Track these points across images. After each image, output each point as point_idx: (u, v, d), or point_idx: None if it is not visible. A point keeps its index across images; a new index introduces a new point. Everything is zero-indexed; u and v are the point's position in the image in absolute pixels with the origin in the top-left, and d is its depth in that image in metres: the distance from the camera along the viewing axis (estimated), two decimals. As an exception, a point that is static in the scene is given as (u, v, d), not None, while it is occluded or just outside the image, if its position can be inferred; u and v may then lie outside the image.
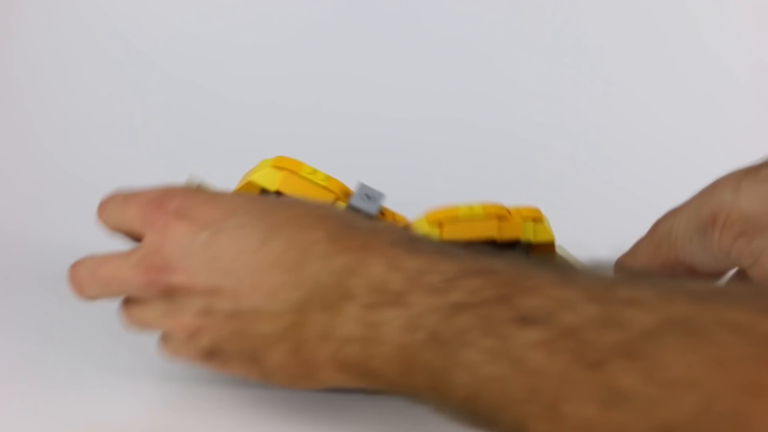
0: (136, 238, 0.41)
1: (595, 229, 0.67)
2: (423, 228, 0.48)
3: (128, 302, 0.41)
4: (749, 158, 0.46)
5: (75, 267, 0.42)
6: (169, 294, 0.38)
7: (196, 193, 0.40)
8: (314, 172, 0.49)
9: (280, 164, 0.48)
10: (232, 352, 0.38)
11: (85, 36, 0.90)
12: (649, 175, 0.83)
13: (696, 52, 0.91)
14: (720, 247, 0.43)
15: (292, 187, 0.48)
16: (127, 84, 0.89)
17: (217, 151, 0.86)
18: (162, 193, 0.40)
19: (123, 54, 0.90)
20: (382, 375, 0.35)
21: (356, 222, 0.38)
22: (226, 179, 0.79)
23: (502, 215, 0.50)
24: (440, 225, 0.49)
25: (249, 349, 0.37)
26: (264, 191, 0.49)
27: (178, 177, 0.81)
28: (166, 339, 0.41)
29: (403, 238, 0.36)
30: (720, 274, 0.46)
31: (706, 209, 0.43)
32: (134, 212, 0.40)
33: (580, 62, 0.91)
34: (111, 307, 0.43)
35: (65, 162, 0.83)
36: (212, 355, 0.39)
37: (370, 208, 0.48)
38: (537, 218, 0.52)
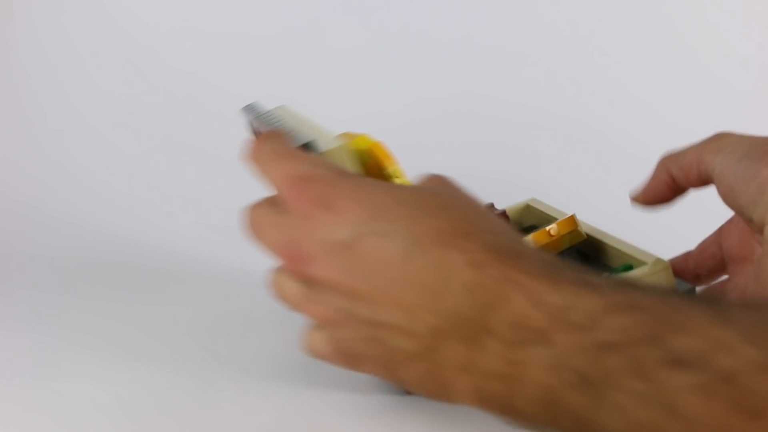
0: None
1: (597, 202, 0.68)
2: None
3: (276, 271, 0.40)
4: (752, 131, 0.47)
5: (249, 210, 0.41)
6: (310, 283, 0.37)
7: (339, 180, 0.37)
8: (396, 173, 0.48)
9: (373, 152, 0.47)
10: (369, 355, 0.37)
11: (87, 31, 0.90)
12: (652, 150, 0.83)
13: (700, 29, 0.91)
14: (763, 182, 0.43)
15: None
16: (127, 78, 0.90)
17: (217, 146, 0.86)
18: (305, 176, 0.38)
19: (124, 49, 0.91)
20: (525, 414, 0.33)
21: (498, 240, 0.36)
22: (225, 176, 0.81)
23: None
24: None
25: (386, 358, 0.36)
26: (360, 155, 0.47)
27: (178, 171, 0.84)
28: (307, 331, 0.39)
29: (546, 267, 0.34)
30: (738, 205, 0.46)
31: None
32: (278, 181, 0.39)
33: (583, 42, 0.91)
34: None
35: (69, 153, 0.84)
36: (348, 353, 0.38)
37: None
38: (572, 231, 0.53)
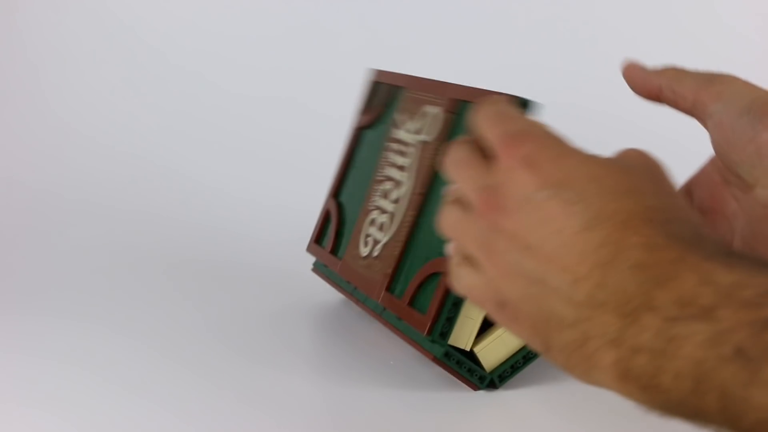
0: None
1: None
2: None
3: (456, 203, 0.41)
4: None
5: (451, 150, 0.42)
6: (493, 230, 0.39)
7: (550, 143, 0.39)
8: None
9: None
10: (525, 313, 0.38)
11: (88, 29, 0.90)
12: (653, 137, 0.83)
13: (703, 14, 0.91)
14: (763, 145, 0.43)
15: None
16: (127, 76, 0.90)
17: (217, 145, 0.87)
18: (520, 132, 0.39)
19: (124, 47, 0.91)
20: (668, 391, 0.33)
21: (680, 229, 0.36)
22: (223, 174, 0.81)
23: None
24: None
25: (540, 319, 0.37)
26: None
27: (176, 168, 0.83)
28: (465, 271, 0.40)
29: (721, 252, 0.34)
30: (730, 160, 0.45)
31: None
32: (492, 136, 0.40)
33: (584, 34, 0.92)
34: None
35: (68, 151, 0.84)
36: (504, 305, 0.39)
37: None
38: None
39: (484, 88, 0.50)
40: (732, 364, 0.31)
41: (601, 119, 0.87)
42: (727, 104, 0.44)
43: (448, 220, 0.41)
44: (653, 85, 0.47)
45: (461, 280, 0.41)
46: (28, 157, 0.84)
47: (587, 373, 0.36)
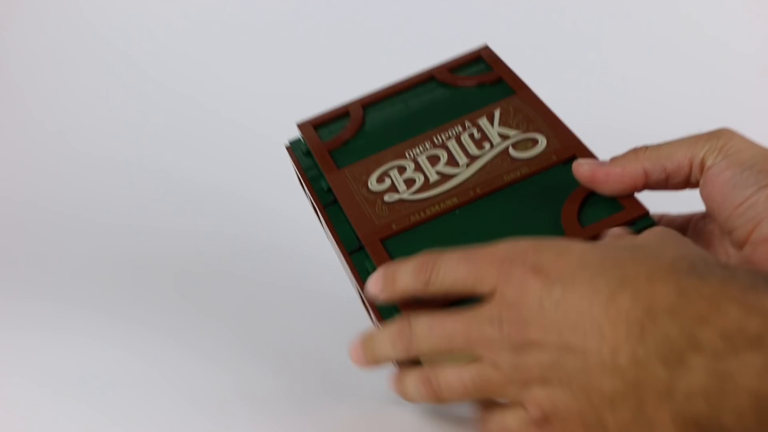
0: (471, 295, 0.40)
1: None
2: None
3: (476, 362, 0.40)
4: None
5: (406, 321, 0.41)
6: (521, 349, 0.38)
7: (546, 245, 0.39)
8: None
9: None
10: (572, 414, 0.37)
11: (82, 41, 0.90)
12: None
13: (698, 31, 0.90)
14: (754, 203, 0.41)
15: None
16: (122, 87, 0.90)
17: (210, 153, 0.86)
18: (515, 250, 0.39)
19: (118, 59, 0.91)
20: (732, 431, 0.32)
21: (709, 269, 0.35)
22: (221, 181, 0.81)
23: None
24: None
25: (590, 410, 0.36)
26: None
27: (172, 176, 0.83)
28: (497, 415, 0.40)
29: (759, 279, 0.34)
30: (723, 216, 0.43)
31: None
32: (483, 270, 0.39)
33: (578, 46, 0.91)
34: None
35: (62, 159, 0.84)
36: (548, 421, 0.38)
37: None
38: None
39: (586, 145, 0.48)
40: None
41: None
42: (730, 158, 0.43)
43: (479, 382, 0.39)
44: (635, 174, 0.44)
45: (495, 423, 0.40)
46: (22, 169, 0.84)
47: None
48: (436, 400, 0.41)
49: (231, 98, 0.90)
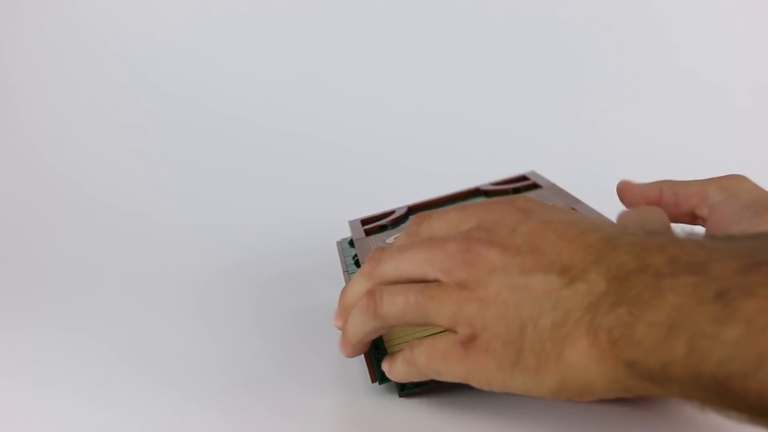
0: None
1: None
2: None
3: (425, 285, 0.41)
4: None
5: (376, 255, 0.43)
6: (473, 264, 0.39)
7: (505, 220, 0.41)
8: None
9: None
10: (499, 330, 0.38)
11: (81, 47, 0.90)
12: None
13: (696, 38, 0.91)
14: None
15: None
16: (124, 94, 0.90)
17: (210, 162, 0.87)
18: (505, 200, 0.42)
19: (119, 65, 0.91)
20: (638, 342, 0.33)
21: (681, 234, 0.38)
22: (219, 191, 0.81)
23: None
24: None
25: (516, 326, 0.37)
26: None
27: (171, 181, 0.84)
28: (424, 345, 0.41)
29: (724, 237, 0.36)
30: None
31: None
32: (450, 249, 0.40)
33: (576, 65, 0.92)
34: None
35: (61, 167, 0.84)
36: (473, 339, 0.38)
37: None
38: None
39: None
40: (708, 305, 0.31)
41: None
42: (734, 196, 0.45)
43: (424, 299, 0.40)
44: (652, 193, 0.48)
45: (424, 346, 0.41)
46: (21, 168, 0.84)
47: (557, 361, 0.36)
48: (374, 315, 0.41)
49: (232, 97, 0.91)
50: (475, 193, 0.62)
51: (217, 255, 0.72)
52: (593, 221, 0.39)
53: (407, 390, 0.46)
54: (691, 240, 0.35)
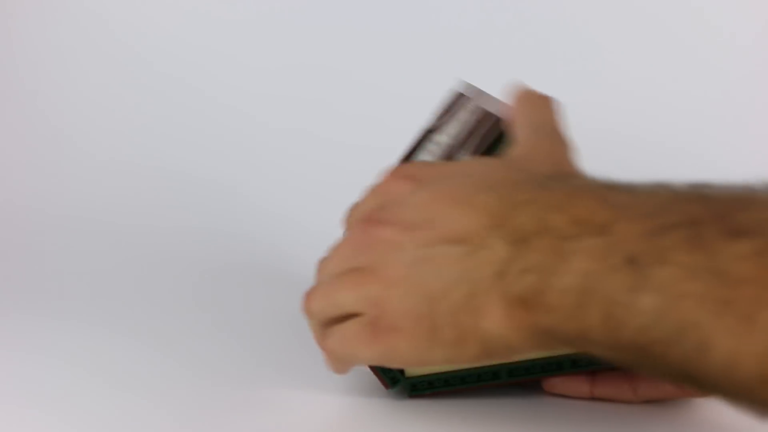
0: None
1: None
2: None
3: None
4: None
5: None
6: (372, 241, 0.39)
7: (421, 164, 0.42)
8: None
9: None
10: (407, 306, 0.37)
11: (86, 40, 0.90)
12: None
13: (696, 24, 0.90)
14: None
15: None
16: (126, 87, 0.90)
17: (212, 154, 0.86)
18: (391, 173, 0.42)
19: (123, 58, 0.90)
20: (553, 310, 0.33)
21: (574, 178, 0.38)
22: (217, 184, 0.81)
23: None
24: None
25: (424, 303, 0.36)
26: None
27: (176, 179, 0.84)
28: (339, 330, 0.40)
29: (621, 184, 0.35)
30: None
31: None
32: (353, 248, 0.40)
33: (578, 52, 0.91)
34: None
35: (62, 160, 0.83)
36: (379, 320, 0.38)
37: None
38: None
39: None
40: (620, 272, 0.31)
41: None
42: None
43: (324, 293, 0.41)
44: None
45: (333, 335, 0.40)
46: (21, 168, 0.84)
47: (475, 331, 0.35)
48: (308, 314, 0.42)
49: (233, 97, 0.90)
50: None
51: (218, 254, 0.72)
52: (487, 176, 0.38)
53: (417, 391, 0.46)
54: (591, 193, 0.34)
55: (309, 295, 0.41)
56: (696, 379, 0.30)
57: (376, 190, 0.42)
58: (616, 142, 0.84)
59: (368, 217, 0.39)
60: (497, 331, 0.35)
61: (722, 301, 0.28)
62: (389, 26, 0.92)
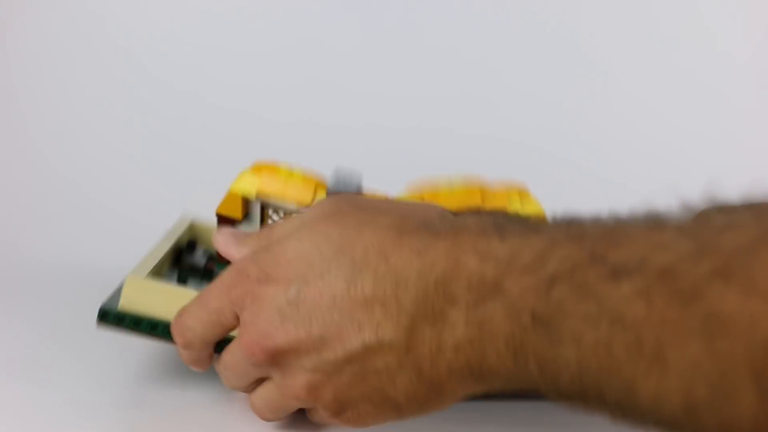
0: (228, 330, 0.40)
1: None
2: None
3: (254, 391, 0.41)
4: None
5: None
6: (277, 362, 0.38)
7: (263, 254, 0.38)
8: (290, 173, 0.50)
9: (258, 169, 0.50)
10: (360, 397, 0.37)
11: (82, 42, 0.90)
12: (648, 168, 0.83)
13: (695, 35, 0.90)
14: None
15: (271, 189, 0.49)
16: (124, 91, 0.89)
17: (209, 158, 0.86)
18: (235, 272, 0.39)
19: (120, 62, 0.90)
20: (498, 372, 0.34)
21: (437, 223, 0.36)
22: (216, 185, 0.81)
23: (483, 189, 0.50)
24: (422, 200, 0.49)
25: (374, 388, 0.36)
26: (246, 200, 0.50)
27: (171, 183, 0.83)
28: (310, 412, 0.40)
29: (491, 226, 0.35)
30: None
31: None
32: (216, 304, 0.39)
33: (577, 58, 0.91)
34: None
35: (60, 166, 0.83)
36: (343, 408, 0.38)
37: (349, 190, 0.48)
38: (522, 192, 0.50)
39: None
40: (533, 331, 0.31)
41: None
42: None
43: (261, 407, 0.41)
44: None
45: (315, 419, 0.40)
46: (19, 167, 0.83)
47: (440, 395, 0.36)
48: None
49: (232, 96, 0.90)
50: None
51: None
52: (337, 252, 0.36)
53: (106, 321, 0.45)
54: (468, 248, 0.34)
55: (258, 411, 0.41)
56: (633, 418, 0.30)
57: (230, 307, 0.39)
58: (617, 149, 0.84)
59: (266, 357, 0.38)
60: (461, 391, 0.36)
61: (630, 345, 0.29)
62: (389, 26, 0.92)
